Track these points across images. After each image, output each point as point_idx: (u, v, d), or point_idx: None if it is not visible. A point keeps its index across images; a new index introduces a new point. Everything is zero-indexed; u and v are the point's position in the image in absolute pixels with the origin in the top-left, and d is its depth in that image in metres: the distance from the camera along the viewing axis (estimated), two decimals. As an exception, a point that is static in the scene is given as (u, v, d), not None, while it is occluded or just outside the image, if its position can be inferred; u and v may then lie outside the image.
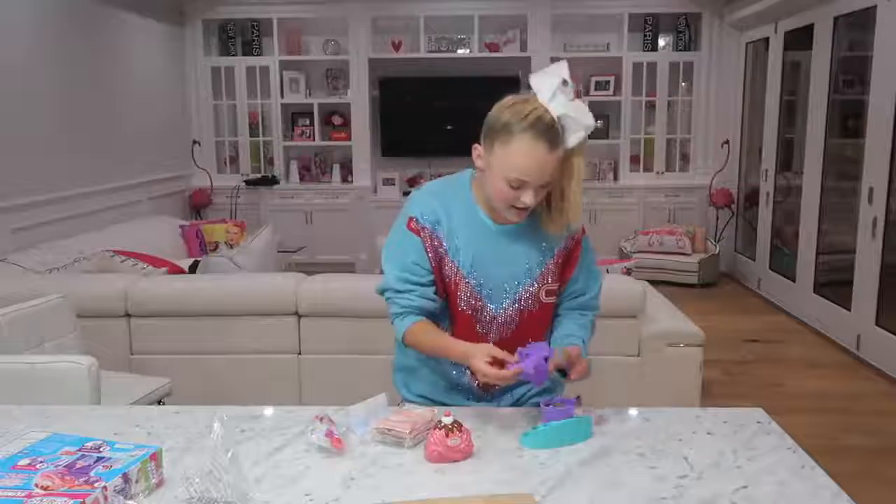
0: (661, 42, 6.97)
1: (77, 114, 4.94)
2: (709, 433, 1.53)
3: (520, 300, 1.65)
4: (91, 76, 5.14)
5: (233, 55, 7.04)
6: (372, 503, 1.25)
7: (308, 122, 7.09)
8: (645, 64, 6.83)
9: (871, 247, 4.36)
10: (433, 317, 1.66)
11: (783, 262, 5.79)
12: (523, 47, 6.88)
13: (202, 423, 1.55)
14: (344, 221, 6.95)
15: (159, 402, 2.81)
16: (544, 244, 1.64)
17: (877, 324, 4.35)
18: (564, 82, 1.46)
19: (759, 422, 1.59)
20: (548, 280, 1.66)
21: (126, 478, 1.21)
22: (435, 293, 1.64)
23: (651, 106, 6.96)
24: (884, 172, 4.24)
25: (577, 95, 1.51)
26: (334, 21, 6.87)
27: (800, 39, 5.48)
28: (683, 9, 6.79)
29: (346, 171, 7.16)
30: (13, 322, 2.39)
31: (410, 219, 1.63)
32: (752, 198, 6.54)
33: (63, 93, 4.79)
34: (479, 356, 1.50)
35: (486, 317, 1.66)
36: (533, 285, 1.65)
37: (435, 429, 1.41)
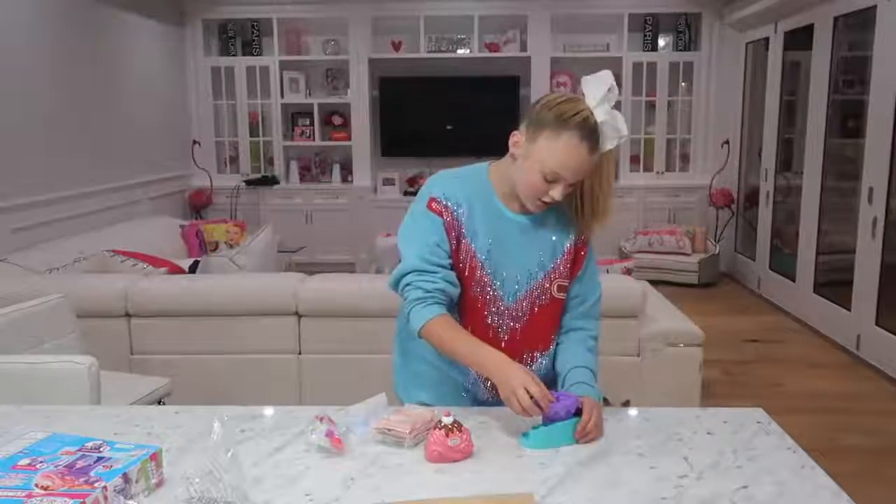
0: (661, 42, 6.97)
1: (77, 114, 4.94)
2: (709, 433, 1.53)
3: (532, 293, 1.65)
4: (91, 76, 5.14)
5: (233, 55, 7.05)
6: (372, 503, 1.25)
7: (308, 122, 7.09)
8: (645, 64, 6.83)
9: (871, 247, 4.36)
10: (450, 308, 1.61)
11: (783, 262, 5.79)
12: (523, 47, 6.88)
13: (202, 423, 1.55)
14: (344, 221, 6.95)
15: (159, 402, 2.81)
16: (555, 238, 1.66)
17: (877, 324, 4.35)
18: (610, 90, 1.52)
19: (759, 422, 1.58)
20: (559, 275, 1.67)
21: (126, 478, 1.21)
22: (457, 278, 1.62)
23: (651, 106, 6.96)
24: (884, 172, 4.24)
25: (619, 106, 1.57)
26: (334, 21, 6.87)
27: (800, 39, 5.48)
28: (683, 9, 6.79)
29: (346, 171, 7.16)
30: (13, 322, 2.39)
31: (432, 199, 1.62)
32: (751, 198, 6.54)
33: (63, 93, 4.79)
34: (523, 381, 1.44)
35: (498, 308, 1.65)
36: (545, 278, 1.65)
37: (435, 429, 1.41)
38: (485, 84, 6.77)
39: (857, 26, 4.81)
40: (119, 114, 5.56)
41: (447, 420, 1.41)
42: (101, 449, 1.28)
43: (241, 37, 7.05)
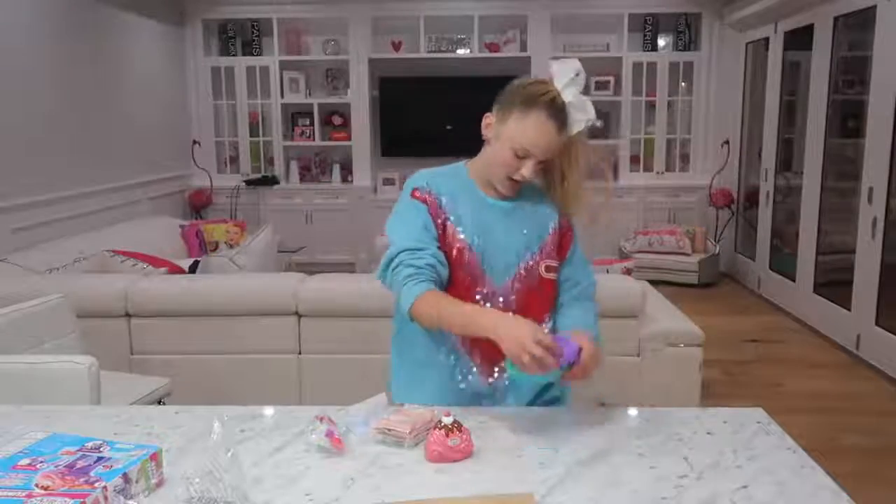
0: (661, 42, 6.97)
1: (77, 114, 4.94)
2: (709, 433, 1.53)
3: (519, 273, 1.68)
4: (91, 76, 5.14)
5: (233, 55, 7.05)
6: (372, 503, 1.25)
7: (308, 122, 7.09)
8: (645, 64, 6.83)
9: (871, 247, 4.36)
10: (440, 288, 1.61)
11: (783, 262, 5.79)
12: (523, 47, 6.88)
13: (202, 423, 1.55)
14: (344, 221, 6.95)
15: (159, 402, 2.81)
16: (540, 220, 1.71)
17: (876, 324, 4.35)
18: (577, 74, 1.59)
19: (758, 422, 1.58)
20: (546, 255, 1.69)
21: (126, 478, 1.21)
22: (445, 258, 1.63)
23: (651, 106, 6.96)
24: (884, 172, 4.24)
25: (586, 91, 1.64)
26: (334, 21, 6.87)
27: (800, 39, 5.48)
28: (683, 9, 6.79)
29: (346, 171, 7.16)
30: (13, 322, 2.39)
31: (415, 189, 1.67)
32: (751, 198, 6.54)
33: (63, 93, 4.79)
34: (531, 332, 1.39)
35: (486, 290, 1.66)
36: (533, 258, 1.68)
37: (435, 429, 1.41)
38: (485, 84, 6.64)
39: (857, 26, 4.81)
40: (119, 114, 5.56)
41: (447, 420, 1.41)
42: (102, 449, 1.28)
43: (241, 37, 7.05)
